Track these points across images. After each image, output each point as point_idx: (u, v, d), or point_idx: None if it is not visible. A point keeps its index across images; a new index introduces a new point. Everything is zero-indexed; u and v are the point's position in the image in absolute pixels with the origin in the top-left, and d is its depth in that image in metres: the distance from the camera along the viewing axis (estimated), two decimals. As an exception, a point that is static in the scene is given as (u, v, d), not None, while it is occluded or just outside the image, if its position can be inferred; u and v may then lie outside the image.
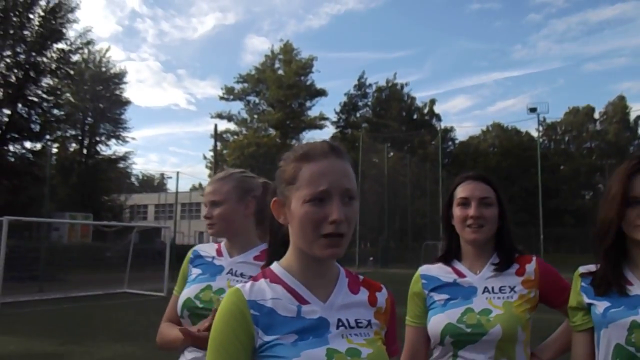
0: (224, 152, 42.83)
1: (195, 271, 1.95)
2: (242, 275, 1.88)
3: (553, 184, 43.44)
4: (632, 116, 49.89)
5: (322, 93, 48.62)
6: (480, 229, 1.75)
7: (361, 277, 1.28)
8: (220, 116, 47.40)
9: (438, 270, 1.84)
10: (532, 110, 39.36)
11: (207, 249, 2.03)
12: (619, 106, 50.15)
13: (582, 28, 79.32)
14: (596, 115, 51.76)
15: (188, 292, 1.87)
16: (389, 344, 1.22)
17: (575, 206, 45.63)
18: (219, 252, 1.99)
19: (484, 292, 1.73)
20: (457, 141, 53.42)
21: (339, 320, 1.14)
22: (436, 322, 1.72)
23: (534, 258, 1.80)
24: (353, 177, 1.16)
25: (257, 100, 48.89)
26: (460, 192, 1.81)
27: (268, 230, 2.03)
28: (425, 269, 1.87)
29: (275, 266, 1.21)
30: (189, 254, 2.03)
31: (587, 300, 1.55)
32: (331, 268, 1.21)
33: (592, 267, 1.59)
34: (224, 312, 1.11)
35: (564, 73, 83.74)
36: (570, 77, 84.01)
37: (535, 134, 46.84)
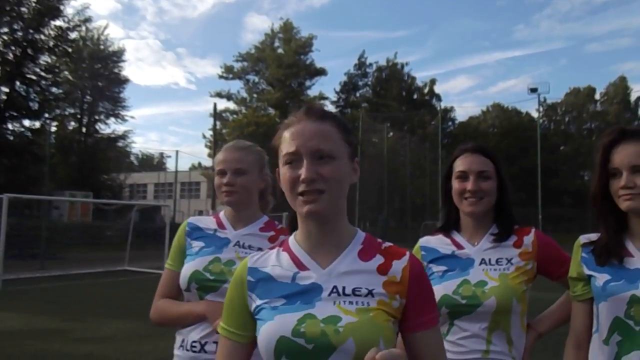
0: (224, 131, 42.69)
1: (197, 244, 1.91)
2: (250, 247, 1.88)
3: (552, 165, 43.44)
4: (633, 97, 49.70)
5: (321, 72, 48.33)
6: (478, 201, 1.77)
7: (387, 244, 1.24)
8: (219, 95, 47.17)
9: (437, 242, 1.87)
10: (533, 90, 39.12)
11: (204, 222, 2.00)
12: (620, 87, 49.88)
13: (586, 7, 78.68)
14: (597, 96, 51.52)
15: (194, 264, 1.84)
16: (413, 316, 1.16)
17: (574, 186, 45.66)
18: (221, 225, 1.97)
19: (481, 263, 1.76)
20: (457, 121, 53.22)
21: (335, 287, 1.14)
22: None
23: (533, 230, 1.82)
24: (329, 137, 1.16)
25: (256, 80, 48.63)
26: (459, 165, 1.82)
27: (265, 203, 2.07)
28: (425, 240, 1.90)
29: (291, 236, 1.26)
30: (184, 227, 1.98)
31: (587, 271, 1.57)
32: (338, 232, 1.20)
33: (593, 237, 1.61)
34: (232, 277, 1.25)
35: (566, 53, 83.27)
36: (572, 58, 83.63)
37: (535, 114, 46.70)
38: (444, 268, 1.79)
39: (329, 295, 1.13)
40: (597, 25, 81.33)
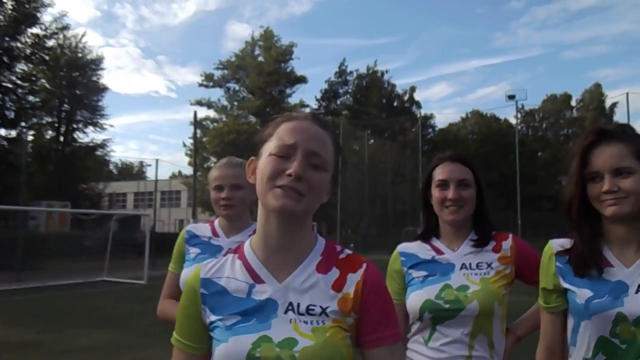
0: (204, 139, 42.48)
1: (194, 250, 2.14)
2: None
3: (531, 170, 44.00)
4: (608, 103, 50.66)
5: (302, 80, 48.43)
6: (459, 209, 1.78)
7: (346, 253, 1.17)
8: (200, 103, 46.95)
9: (416, 248, 1.87)
10: (511, 97, 39.66)
11: (201, 229, 2.22)
12: (595, 94, 50.83)
13: (563, 15, 79.98)
14: (573, 103, 52.43)
15: (191, 270, 1.90)
16: (368, 333, 1.09)
17: (552, 192, 46.28)
18: (215, 233, 2.18)
19: (461, 268, 1.77)
20: (437, 128, 53.71)
21: (290, 303, 1.07)
22: (415, 299, 1.75)
23: (511, 235, 1.84)
24: (327, 147, 1.12)
25: (237, 87, 48.53)
26: (439, 173, 1.83)
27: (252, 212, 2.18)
28: (403, 246, 1.91)
29: (247, 241, 1.18)
30: (183, 234, 2.22)
31: (564, 284, 1.48)
32: (298, 243, 1.12)
33: (566, 244, 1.51)
34: (185, 286, 1.17)
35: (544, 60, 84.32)
36: (549, 65, 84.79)
37: (513, 120, 47.30)
38: (424, 273, 1.79)
39: (285, 312, 1.06)
40: (574, 33, 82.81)
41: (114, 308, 10.18)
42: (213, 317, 1.09)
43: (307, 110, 48.50)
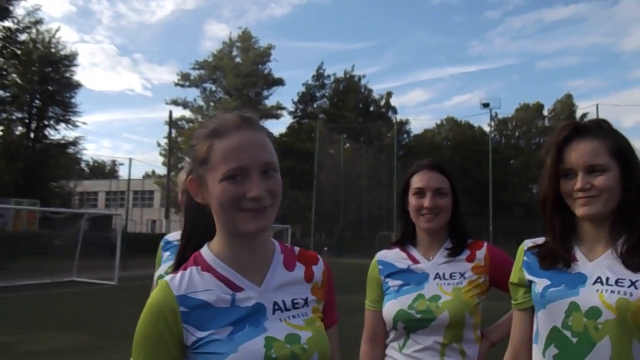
0: (179, 139, 42.08)
1: (166, 254, 2.43)
2: None
3: (503, 178, 44.69)
4: (578, 114, 51.79)
5: (279, 82, 48.38)
6: (435, 217, 1.81)
7: (297, 249, 1.24)
8: (175, 103, 46.49)
9: (394, 256, 1.90)
10: (485, 105, 40.33)
11: (173, 235, 2.53)
12: (567, 104, 51.96)
13: (538, 26, 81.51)
14: (545, 112, 53.49)
15: (160, 270, 2.37)
16: (326, 315, 1.21)
17: (524, 199, 47.13)
18: None
19: (435, 278, 1.80)
20: (412, 134, 54.22)
21: (275, 303, 1.11)
22: (389, 308, 1.79)
23: (485, 244, 1.86)
24: (270, 148, 1.10)
25: (213, 88, 48.21)
26: (416, 181, 1.85)
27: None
28: (382, 254, 1.94)
29: (205, 251, 1.15)
30: (161, 243, 2.53)
31: (528, 276, 1.46)
32: (264, 246, 1.15)
33: (539, 240, 1.51)
34: (152, 308, 1.06)
35: (518, 69, 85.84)
36: (523, 74, 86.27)
37: (487, 128, 48.07)
38: (399, 282, 1.82)
39: (274, 313, 1.10)
40: (547, 44, 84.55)
41: (84, 309, 10.00)
42: (201, 334, 1.04)
43: (284, 113, 48.51)
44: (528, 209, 44.29)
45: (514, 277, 1.52)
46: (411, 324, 1.74)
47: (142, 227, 42.47)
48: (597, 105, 34.94)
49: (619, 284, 1.29)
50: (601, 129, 1.39)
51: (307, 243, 36.58)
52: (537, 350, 1.40)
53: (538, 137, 52.67)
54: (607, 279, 1.31)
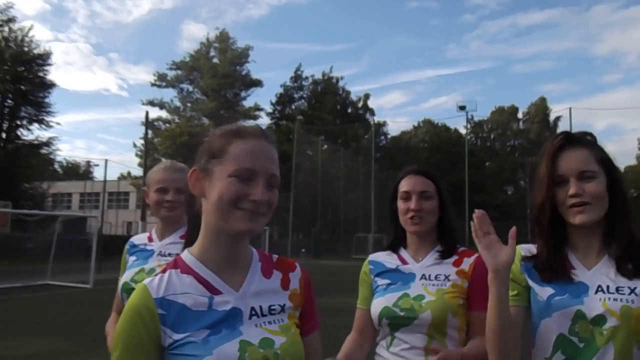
0: (155, 140, 41.68)
1: (132, 259, 2.26)
2: (169, 255, 2.16)
3: (479, 180, 45.31)
4: (552, 117, 52.81)
5: (257, 83, 48.30)
6: (420, 220, 1.87)
7: (275, 257, 1.28)
8: (152, 103, 46.09)
9: (384, 257, 1.98)
10: (462, 108, 40.89)
11: (140, 238, 2.34)
12: (541, 107, 52.92)
13: (513, 30, 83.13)
14: (520, 115, 54.38)
15: (125, 277, 2.19)
16: (305, 322, 1.24)
17: (499, 201, 47.84)
18: (150, 239, 2.28)
19: (421, 278, 1.86)
20: (389, 136, 54.61)
21: (252, 308, 1.14)
22: (376, 305, 1.86)
23: (476, 255, 1.87)
24: (277, 164, 1.17)
25: (190, 89, 47.90)
26: (403, 186, 1.93)
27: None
28: (374, 256, 2.02)
29: (185, 254, 1.18)
30: (126, 246, 2.32)
31: (529, 281, 1.51)
32: (244, 252, 1.19)
33: (532, 249, 1.55)
34: (130, 310, 1.09)
35: (494, 73, 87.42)
36: (499, 77, 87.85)
37: (463, 131, 48.70)
38: (387, 281, 1.89)
39: (250, 318, 1.13)
40: (522, 48, 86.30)
41: (59, 313, 9.86)
42: (177, 336, 1.07)
43: (262, 114, 48.39)
44: (503, 211, 44.92)
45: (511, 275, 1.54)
46: (395, 321, 1.80)
47: (118, 229, 41.93)
48: (570, 109, 35.75)
49: (620, 291, 1.36)
50: (589, 140, 1.48)
51: (284, 244, 36.49)
52: (539, 354, 1.44)
53: (513, 140, 53.53)
54: (608, 287, 1.38)
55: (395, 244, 1.99)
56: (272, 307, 1.17)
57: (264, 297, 1.17)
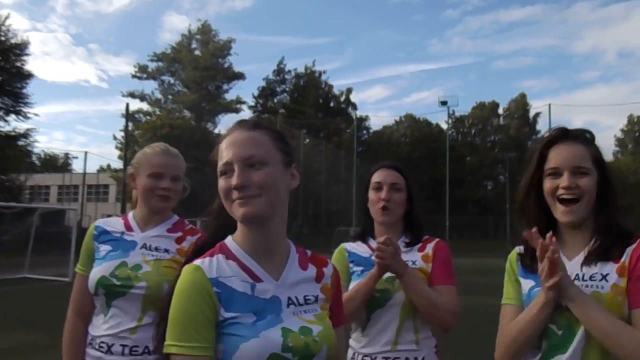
0: (136, 132, 41.23)
1: (104, 247, 1.93)
2: (156, 249, 1.92)
3: (459, 175, 45.69)
4: (532, 113, 53.44)
5: (239, 76, 48.04)
6: (389, 211, 2.02)
7: (308, 252, 1.35)
8: (132, 95, 45.58)
9: (356, 247, 2.13)
10: (443, 103, 41.18)
11: (112, 224, 2.01)
12: (520, 103, 53.46)
13: (494, 27, 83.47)
14: (500, 111, 54.87)
15: (101, 269, 1.87)
16: (335, 315, 1.31)
17: (478, 195, 48.34)
18: (128, 227, 1.98)
19: None
20: (371, 130, 54.73)
21: (289, 298, 1.21)
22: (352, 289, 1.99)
23: (437, 240, 2.08)
24: (260, 144, 1.20)
25: (172, 81, 47.45)
26: (375, 177, 2.10)
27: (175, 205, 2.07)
28: (347, 244, 2.17)
29: (229, 241, 1.26)
30: (91, 230, 2.00)
31: (519, 277, 1.59)
32: (279, 242, 1.26)
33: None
34: (187, 289, 1.14)
35: (475, 68, 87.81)
36: (480, 73, 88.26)
37: (445, 126, 49.04)
38: (362, 268, 2.03)
39: (288, 306, 1.20)
40: (503, 44, 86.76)
41: (39, 306, 9.75)
42: (227, 315, 1.14)
43: (244, 107, 48.14)
44: (482, 206, 45.50)
45: (509, 276, 1.63)
46: (371, 302, 1.92)
47: (97, 222, 41.42)
48: (550, 105, 36.13)
49: (592, 278, 1.42)
50: (586, 138, 1.52)
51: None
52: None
53: (493, 135, 54.02)
54: (583, 275, 1.44)
55: (364, 234, 2.14)
56: (307, 297, 1.24)
57: (299, 288, 1.24)
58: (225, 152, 1.19)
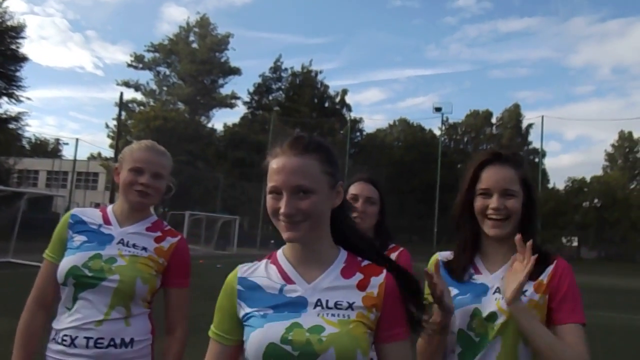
0: (129, 122, 41.05)
1: (79, 238, 1.90)
2: (134, 245, 1.90)
3: (450, 180, 45.77)
4: (525, 124, 53.81)
5: (236, 72, 47.98)
6: (361, 221, 2.22)
7: (366, 262, 1.34)
8: (127, 84, 45.38)
9: None
10: (437, 109, 41.34)
11: (90, 215, 1.98)
12: (514, 113, 53.83)
13: (492, 35, 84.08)
14: (493, 120, 55.21)
15: (74, 259, 1.84)
16: (385, 329, 1.27)
17: (467, 203, 48.51)
18: (107, 220, 1.96)
19: None
20: (364, 132, 54.83)
21: (319, 300, 1.26)
22: None
23: (401, 249, 2.27)
24: (309, 173, 1.25)
25: (167, 72, 47.30)
26: (352, 189, 2.29)
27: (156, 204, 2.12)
28: None
29: (279, 250, 1.39)
30: (67, 218, 1.96)
31: None
32: (322, 252, 1.33)
33: (449, 255, 1.73)
34: (223, 285, 1.36)
35: (471, 76, 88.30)
36: (476, 81, 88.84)
37: (438, 132, 49.24)
38: None
39: (314, 308, 1.25)
40: (500, 53, 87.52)
41: (23, 292, 9.63)
42: (248, 309, 1.28)
43: (239, 103, 48.04)
44: (471, 213, 45.63)
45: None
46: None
47: (85, 210, 41.18)
48: (543, 117, 36.44)
49: None
50: (516, 161, 1.63)
51: (254, 235, 36.39)
52: (449, 347, 1.60)
53: (485, 144, 54.31)
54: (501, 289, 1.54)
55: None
56: (339, 303, 1.26)
57: (334, 293, 1.28)
58: (275, 176, 1.25)
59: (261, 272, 1.33)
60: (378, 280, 1.30)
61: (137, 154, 1.93)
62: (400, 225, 35.44)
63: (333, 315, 1.24)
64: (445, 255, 1.73)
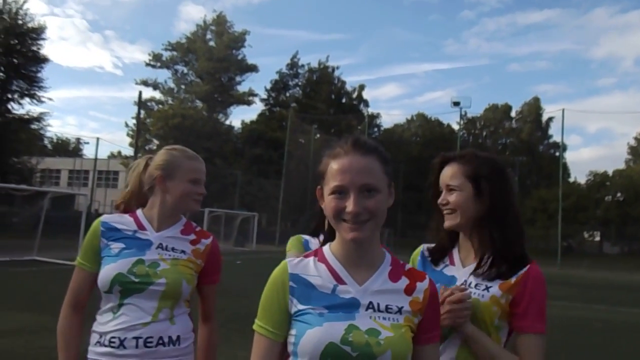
0: (148, 121, 41.43)
1: (117, 245, 1.91)
2: (173, 249, 1.95)
3: (469, 176, 45.46)
4: (544, 117, 53.10)
5: (253, 69, 48.10)
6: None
7: (408, 266, 1.39)
8: (145, 83, 45.77)
9: (314, 241, 2.36)
10: (456, 104, 40.97)
11: (121, 221, 1.97)
12: (534, 107, 53.12)
13: (511, 29, 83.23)
14: (513, 114, 54.56)
15: (116, 267, 1.85)
16: (424, 332, 1.32)
17: (487, 198, 48.03)
18: (140, 225, 1.97)
19: None
20: (382, 128, 54.62)
21: (370, 302, 1.28)
22: None
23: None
24: (375, 170, 1.28)
25: (185, 71, 47.59)
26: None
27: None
28: (307, 237, 2.47)
29: (325, 248, 1.39)
30: (97, 226, 1.95)
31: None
32: (372, 254, 1.34)
33: (432, 246, 1.83)
34: (271, 280, 1.34)
35: (490, 70, 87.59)
36: (494, 75, 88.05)
37: (456, 127, 48.83)
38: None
39: (366, 310, 1.27)
40: (519, 47, 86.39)
41: (46, 289, 9.84)
42: (301, 306, 1.28)
43: (256, 100, 48.19)
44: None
45: None
46: None
47: (106, 208, 41.69)
48: (563, 110, 35.91)
49: (477, 287, 1.60)
50: (462, 158, 1.72)
51: (272, 232, 36.50)
52: None
53: (505, 138, 53.77)
54: (470, 283, 1.62)
55: (318, 230, 2.41)
56: (389, 306, 1.29)
57: (384, 296, 1.30)
58: (340, 176, 1.26)
59: (312, 270, 1.33)
60: (423, 286, 1.35)
61: (194, 165, 2.03)
62: (417, 221, 35.23)
63: (384, 318, 1.27)
64: (430, 246, 1.81)
